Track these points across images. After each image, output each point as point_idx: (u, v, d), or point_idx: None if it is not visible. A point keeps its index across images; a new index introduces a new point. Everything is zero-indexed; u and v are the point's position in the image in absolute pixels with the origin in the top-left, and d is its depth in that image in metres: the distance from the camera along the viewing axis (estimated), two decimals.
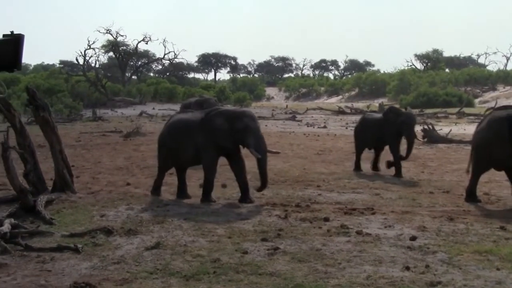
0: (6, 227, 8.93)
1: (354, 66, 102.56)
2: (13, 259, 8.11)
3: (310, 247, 8.37)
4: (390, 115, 15.58)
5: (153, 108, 49.21)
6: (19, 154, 11.75)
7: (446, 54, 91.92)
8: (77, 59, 64.71)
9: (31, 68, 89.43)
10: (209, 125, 11.77)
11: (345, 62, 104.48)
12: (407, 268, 7.36)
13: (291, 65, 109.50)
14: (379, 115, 16.69)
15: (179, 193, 12.35)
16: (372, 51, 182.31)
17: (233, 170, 12.09)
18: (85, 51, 63.34)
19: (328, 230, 9.29)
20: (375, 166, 16.18)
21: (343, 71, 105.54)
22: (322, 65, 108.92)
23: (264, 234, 9.06)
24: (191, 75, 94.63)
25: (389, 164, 15.65)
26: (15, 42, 3.39)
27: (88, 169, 16.42)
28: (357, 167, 16.16)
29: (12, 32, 3.43)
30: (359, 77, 79.81)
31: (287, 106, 61.11)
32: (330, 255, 7.95)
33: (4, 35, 3.42)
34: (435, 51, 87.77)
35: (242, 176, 11.90)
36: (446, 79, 68.43)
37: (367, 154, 16.79)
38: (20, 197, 10.84)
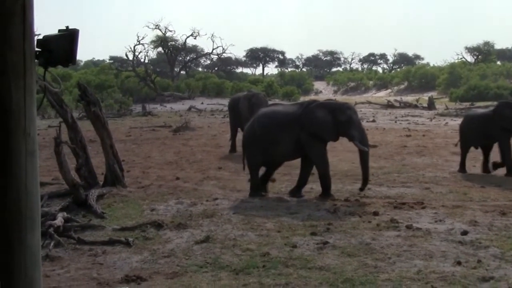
0: (59, 220, 9.08)
1: (403, 59, 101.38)
2: (66, 252, 8.26)
3: (359, 241, 8.33)
4: (506, 110, 14.19)
5: (202, 103, 49.36)
6: (71, 149, 11.91)
7: (497, 46, 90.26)
8: (126, 55, 65.18)
9: (82, 64, 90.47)
10: (310, 118, 11.55)
11: (394, 55, 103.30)
12: (459, 263, 7.28)
13: (339, 59, 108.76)
14: (486, 111, 15.59)
15: (252, 191, 11.93)
16: (421, 44, 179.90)
17: (303, 163, 11.96)
18: (134, 47, 63.80)
19: (378, 224, 9.23)
20: (485, 168, 14.68)
21: (392, 65, 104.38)
22: (370, 59, 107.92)
23: (313, 228, 9.05)
24: (239, 69, 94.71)
25: (496, 165, 14.48)
26: (70, 37, 3.43)
27: (138, 163, 16.58)
28: (462, 168, 14.72)
29: (67, 27, 3.47)
30: (408, 70, 78.86)
31: (335, 99, 60.81)
32: (380, 250, 7.91)
33: (59, 30, 3.47)
34: (486, 43, 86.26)
35: (308, 171, 11.86)
36: (497, 72, 67.21)
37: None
38: (72, 191, 11.01)
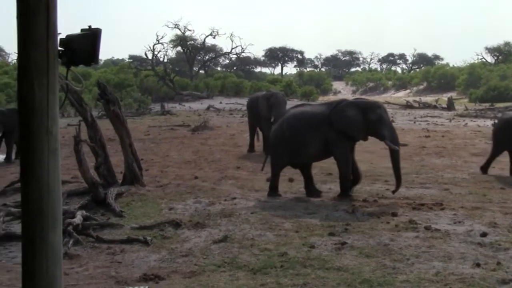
0: (78, 219, 9.14)
1: (422, 59, 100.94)
2: (85, 251, 8.31)
3: (377, 242, 8.31)
4: None
5: (220, 102, 49.42)
6: (90, 147, 11.97)
7: None
8: (146, 54, 65.43)
9: (101, 63, 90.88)
10: (340, 116, 11.41)
11: (413, 55, 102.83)
12: (478, 265, 7.23)
13: (358, 59, 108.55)
14: None
15: (308, 191, 11.87)
16: (441, 45, 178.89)
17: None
18: (153, 46, 64.02)
19: (396, 225, 9.20)
20: None
21: (411, 65, 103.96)
22: (389, 59, 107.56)
23: (331, 228, 9.03)
24: (258, 69, 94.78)
25: None
26: (93, 36, 3.46)
27: (157, 162, 16.62)
28: (485, 168, 14.41)
29: (89, 26, 3.50)
30: (427, 71, 78.52)
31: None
32: (398, 251, 7.88)
33: (82, 30, 3.49)
34: (507, 43, 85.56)
35: (357, 168, 11.76)
36: None
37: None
38: (92, 189, 11.07)
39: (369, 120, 11.40)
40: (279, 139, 11.86)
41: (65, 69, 3.59)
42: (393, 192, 11.48)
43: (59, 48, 3.35)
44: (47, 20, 3.21)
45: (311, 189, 11.85)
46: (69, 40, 3.43)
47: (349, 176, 11.57)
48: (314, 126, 11.52)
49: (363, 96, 68.99)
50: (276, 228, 9.12)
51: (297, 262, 7.47)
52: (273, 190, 11.79)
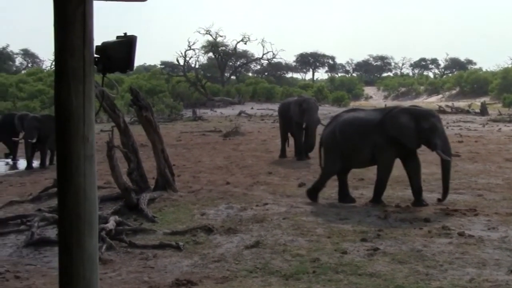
0: (111, 224, 9.21)
1: (455, 64, 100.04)
2: (118, 256, 8.36)
3: (410, 248, 8.25)
4: None
5: (252, 108, 49.52)
6: (123, 153, 12.05)
7: None
8: (177, 60, 65.83)
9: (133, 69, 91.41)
10: (392, 123, 11.22)
11: (446, 60, 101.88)
12: None
13: (390, 64, 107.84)
14: None
15: (341, 197, 11.77)
16: (473, 49, 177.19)
17: (408, 171, 11.52)
18: (185, 52, 64.37)
19: (429, 231, 9.12)
20: None
21: (443, 70, 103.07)
22: (421, 64, 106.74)
23: (363, 234, 8.99)
24: (289, 74, 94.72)
25: None
26: (128, 43, 3.48)
27: (189, 168, 16.69)
28: None
29: (125, 33, 3.53)
30: (460, 75, 77.77)
31: (385, 105, 60.28)
32: (431, 257, 7.82)
33: (117, 37, 3.52)
34: None
35: (417, 178, 11.42)
36: None
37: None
38: (124, 195, 11.14)
39: (422, 128, 11.16)
40: (331, 145, 11.78)
41: (100, 76, 3.62)
42: (439, 200, 11.29)
43: (95, 55, 3.38)
44: (84, 28, 3.25)
45: (345, 195, 11.77)
46: (105, 47, 3.46)
47: (386, 183, 11.46)
48: (366, 132, 11.38)
49: (394, 102, 68.69)
50: (308, 234, 9.10)
51: (329, 268, 7.45)
52: (314, 192, 11.73)
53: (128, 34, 3.56)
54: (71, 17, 3.22)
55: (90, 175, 3.30)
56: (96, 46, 3.41)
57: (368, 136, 11.34)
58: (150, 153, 14.39)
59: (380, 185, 11.44)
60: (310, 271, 7.32)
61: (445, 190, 11.34)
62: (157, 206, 11.31)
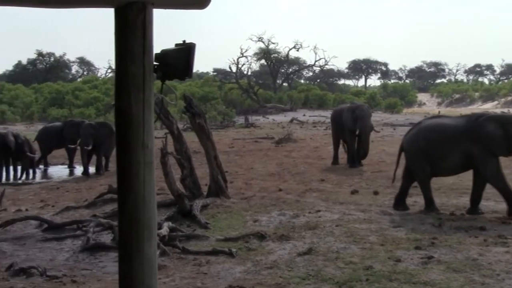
0: (164, 230, 9.28)
1: (511, 70, 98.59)
2: (171, 261, 8.42)
3: (465, 256, 8.13)
4: None
5: (304, 115, 49.45)
6: (176, 159, 12.15)
7: None
8: (230, 67, 66.28)
9: None
10: (480, 131, 10.87)
11: (501, 66, 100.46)
12: None
13: (443, 70, 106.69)
14: None
15: (397, 203, 11.64)
16: None
17: (476, 178, 11.20)
18: (238, 59, 64.74)
19: (485, 239, 8.98)
20: None
21: (499, 76, 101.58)
22: (476, 70, 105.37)
23: (417, 242, 8.89)
24: (342, 81, 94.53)
25: None
26: (187, 50, 3.52)
27: (241, 174, 16.74)
28: None
29: (184, 41, 3.56)
30: None
31: (439, 112, 59.48)
32: (488, 266, 7.70)
33: (176, 44, 3.56)
34: None
35: (482, 188, 11.14)
36: None
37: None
38: (178, 201, 11.22)
39: (510, 136, 10.81)
40: (414, 151, 11.56)
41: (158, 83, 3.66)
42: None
43: (155, 63, 3.43)
44: (144, 36, 3.30)
45: (401, 203, 11.59)
46: (164, 54, 3.50)
47: (509, 188, 10.88)
48: (453, 139, 11.05)
49: (448, 108, 67.88)
50: (361, 241, 9.05)
51: (383, 275, 7.39)
52: (430, 204, 11.36)
53: (186, 41, 3.59)
54: (132, 25, 3.28)
55: (149, 182, 3.34)
56: (156, 54, 3.45)
57: (454, 144, 11.01)
58: (203, 160, 14.48)
59: (507, 194, 10.85)
60: (363, 279, 7.28)
61: None
62: (210, 213, 11.37)
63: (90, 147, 18.99)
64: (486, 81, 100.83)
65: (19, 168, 19.57)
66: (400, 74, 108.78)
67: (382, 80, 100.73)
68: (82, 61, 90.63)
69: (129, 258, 3.31)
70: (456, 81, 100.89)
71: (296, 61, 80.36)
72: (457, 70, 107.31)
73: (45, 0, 3.25)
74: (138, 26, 3.28)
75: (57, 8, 3.39)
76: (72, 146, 19.83)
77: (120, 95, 3.32)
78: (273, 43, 71.09)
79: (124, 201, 3.32)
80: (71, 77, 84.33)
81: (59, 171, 21.16)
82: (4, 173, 18.90)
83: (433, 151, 11.22)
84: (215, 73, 79.18)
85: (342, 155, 19.04)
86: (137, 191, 3.29)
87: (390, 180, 12.63)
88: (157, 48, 3.47)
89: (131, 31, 3.28)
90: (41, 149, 21.52)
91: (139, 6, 3.29)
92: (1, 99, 52.09)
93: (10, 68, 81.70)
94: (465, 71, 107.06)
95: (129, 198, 3.30)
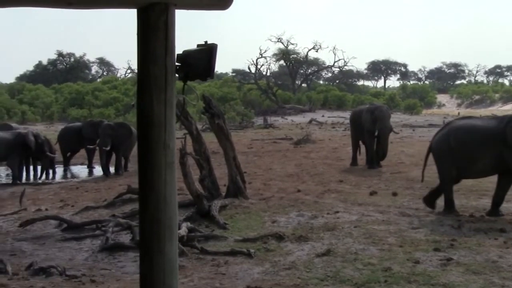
0: (183, 230, 9.30)
1: None
2: (190, 262, 8.44)
3: (485, 258, 8.09)
4: None
5: (323, 116, 49.39)
6: (195, 160, 12.18)
7: None
8: (249, 68, 66.43)
9: None
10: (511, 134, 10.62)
11: None
12: None
13: (463, 71, 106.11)
14: None
15: (428, 198, 11.52)
16: None
17: (501, 179, 11.07)
18: (256, 60, 64.86)
19: (505, 241, 8.93)
20: None
21: None
22: (497, 71, 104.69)
23: (436, 244, 8.85)
24: (361, 82, 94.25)
25: None
26: (209, 51, 3.53)
27: (260, 175, 16.75)
28: None
29: (206, 42, 3.57)
30: None
31: (459, 113, 59.15)
32: (508, 268, 7.65)
33: (198, 45, 3.57)
34: None
35: (506, 190, 11.00)
36: None
37: None
38: (196, 201, 11.24)
39: None
40: (444, 152, 11.35)
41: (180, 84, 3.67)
42: None
43: (176, 63, 3.44)
44: (166, 37, 3.32)
45: (432, 199, 11.47)
46: (186, 55, 3.51)
47: None
48: (485, 141, 10.85)
49: (468, 110, 67.48)
50: (379, 243, 9.02)
51: (402, 277, 7.37)
52: (449, 206, 11.25)
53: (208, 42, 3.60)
54: (154, 26, 3.30)
55: (170, 182, 3.36)
56: (177, 54, 3.46)
57: (487, 146, 10.82)
58: (221, 160, 14.51)
59: None
60: (381, 280, 7.26)
61: None
62: (229, 213, 11.38)
63: (108, 148, 19.08)
64: (506, 82, 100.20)
65: (39, 167, 19.71)
66: (420, 75, 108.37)
67: (401, 81, 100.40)
68: (102, 62, 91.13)
69: (150, 258, 3.33)
70: (476, 82, 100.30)
71: (315, 62, 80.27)
72: (477, 71, 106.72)
73: (69, 2, 3.27)
74: (160, 27, 3.30)
75: (81, 9, 3.42)
76: (91, 146, 19.94)
77: (142, 96, 3.34)
78: (292, 44, 71.16)
79: (146, 201, 3.34)
80: (90, 77, 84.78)
81: (78, 171, 21.32)
82: (24, 173, 19.04)
83: (463, 153, 11.00)
84: (234, 74, 79.29)
85: (361, 156, 19.00)
86: (158, 191, 3.31)
87: (409, 181, 12.61)
88: (178, 49, 3.50)
89: (153, 32, 3.30)
90: (61, 149, 21.69)
91: (161, 7, 3.30)
92: (21, 99, 52.56)
93: (31, 68, 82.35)
94: (485, 72, 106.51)
95: (151, 198, 3.32)
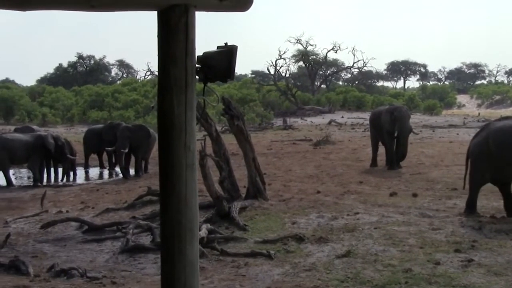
0: (203, 232, 9.31)
1: None
2: (210, 263, 8.46)
3: (506, 260, 8.04)
4: None
5: (342, 117, 49.30)
6: (215, 161, 12.19)
7: None
8: (268, 69, 66.41)
9: None
10: None
11: None
12: None
13: (483, 71, 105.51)
14: None
15: (508, 209, 10.94)
16: None
17: None
18: (276, 61, 64.81)
19: None
20: None
21: None
22: None
23: (457, 245, 8.80)
24: (380, 83, 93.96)
25: None
26: (229, 53, 3.53)
27: (279, 176, 16.75)
28: None
29: (226, 43, 3.58)
30: None
31: (479, 114, 58.83)
32: None
33: (218, 47, 3.58)
34: None
35: None
36: None
37: None
38: (216, 203, 11.25)
39: None
40: (482, 154, 10.91)
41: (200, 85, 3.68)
42: None
43: (196, 65, 3.45)
44: (186, 38, 3.33)
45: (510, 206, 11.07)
46: (206, 57, 3.52)
47: None
48: None
49: (488, 110, 67.01)
50: (400, 244, 8.98)
51: (422, 278, 7.34)
52: (471, 208, 11.08)
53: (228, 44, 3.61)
54: (174, 28, 3.30)
55: (191, 183, 3.37)
56: (198, 56, 3.47)
57: None
58: (241, 162, 14.53)
59: None
60: (402, 282, 7.23)
61: None
62: (248, 215, 11.38)
63: (126, 150, 19.16)
64: None
65: (59, 170, 19.85)
66: (439, 76, 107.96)
67: (421, 82, 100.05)
68: (122, 64, 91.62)
69: (171, 260, 3.34)
70: (496, 82, 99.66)
71: (334, 63, 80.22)
72: (497, 71, 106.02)
73: (92, 4, 3.28)
74: (181, 29, 3.30)
75: (102, 11, 3.43)
76: (109, 148, 20.03)
77: (162, 98, 3.35)
78: (311, 45, 71.19)
79: (166, 202, 3.35)
80: (110, 79, 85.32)
81: (98, 173, 21.46)
82: (45, 175, 19.17)
83: (504, 156, 10.58)
84: (253, 75, 79.42)
85: (381, 157, 18.94)
86: (179, 193, 3.32)
87: (430, 182, 12.54)
88: (198, 51, 3.51)
89: (174, 34, 3.31)
90: (84, 150, 21.91)
91: (182, 9, 3.31)
92: (42, 102, 53.00)
93: (51, 71, 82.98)
94: (506, 72, 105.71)
95: (171, 200, 3.33)
